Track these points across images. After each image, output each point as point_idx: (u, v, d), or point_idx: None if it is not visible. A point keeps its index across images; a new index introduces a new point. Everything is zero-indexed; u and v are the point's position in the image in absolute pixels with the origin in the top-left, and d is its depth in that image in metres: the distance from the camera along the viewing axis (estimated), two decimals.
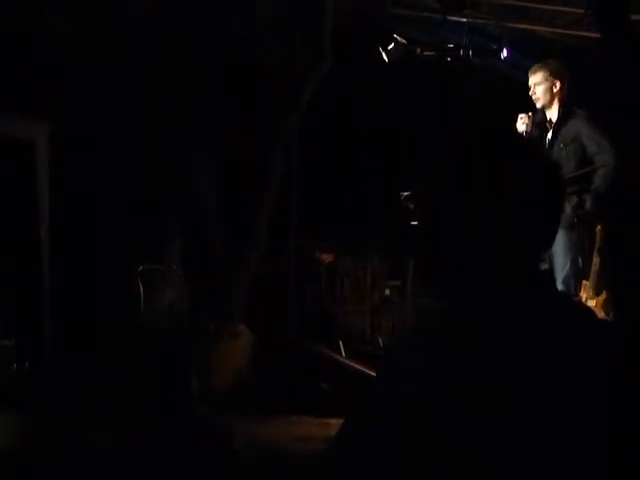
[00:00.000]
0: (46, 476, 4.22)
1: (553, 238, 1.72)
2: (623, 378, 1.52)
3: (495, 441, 1.49)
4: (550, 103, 6.29)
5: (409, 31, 8.60)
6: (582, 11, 7.39)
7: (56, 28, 5.86)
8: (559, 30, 8.85)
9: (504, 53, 8.64)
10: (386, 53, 8.42)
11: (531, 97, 6.37)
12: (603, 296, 6.18)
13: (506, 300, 1.62)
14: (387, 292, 8.32)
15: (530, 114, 6.44)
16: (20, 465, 4.29)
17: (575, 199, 5.97)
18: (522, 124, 6.44)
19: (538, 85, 6.34)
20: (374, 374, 1.87)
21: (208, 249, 7.30)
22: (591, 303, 6.20)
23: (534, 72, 6.38)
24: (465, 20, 8.44)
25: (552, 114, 6.28)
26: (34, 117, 5.91)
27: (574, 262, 6.26)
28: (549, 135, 6.31)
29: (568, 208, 5.88)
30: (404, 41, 8.48)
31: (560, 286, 6.38)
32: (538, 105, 6.37)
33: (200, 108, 6.99)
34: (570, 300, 1.86)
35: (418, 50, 8.69)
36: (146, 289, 6.80)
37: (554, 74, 6.22)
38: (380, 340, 7.99)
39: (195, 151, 7.14)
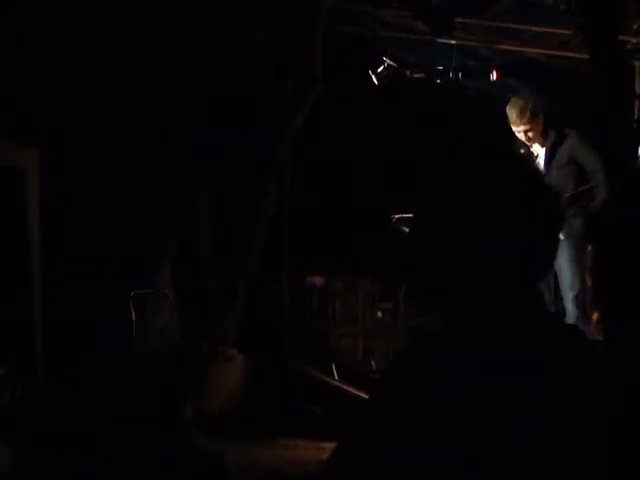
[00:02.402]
0: None
1: (551, 262, 1.73)
2: (613, 405, 1.50)
3: (477, 461, 1.48)
4: (536, 137, 6.39)
5: (399, 53, 8.65)
6: (571, 32, 7.44)
7: (50, 59, 5.88)
8: (548, 51, 8.91)
9: (493, 75, 8.70)
10: (376, 76, 8.46)
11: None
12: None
13: (502, 325, 1.60)
14: (379, 314, 8.32)
15: (523, 152, 6.51)
16: None
17: (579, 218, 6.06)
18: None
19: (529, 131, 6.42)
20: (367, 398, 1.88)
21: (200, 274, 7.31)
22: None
23: (517, 120, 6.45)
24: (454, 42, 8.48)
25: (539, 147, 6.39)
26: (25, 144, 5.93)
27: (582, 280, 6.33)
28: (542, 160, 6.38)
29: (576, 224, 5.98)
30: (394, 64, 8.52)
31: (570, 304, 6.44)
32: (529, 143, 6.46)
33: (194, 136, 7.02)
34: (562, 325, 1.86)
35: (408, 72, 8.74)
36: (138, 313, 6.81)
37: (536, 113, 6.31)
38: (373, 363, 7.98)
39: (188, 178, 7.16)
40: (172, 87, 6.66)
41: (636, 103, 4.11)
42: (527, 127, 6.41)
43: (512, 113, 6.46)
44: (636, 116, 4.17)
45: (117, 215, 6.69)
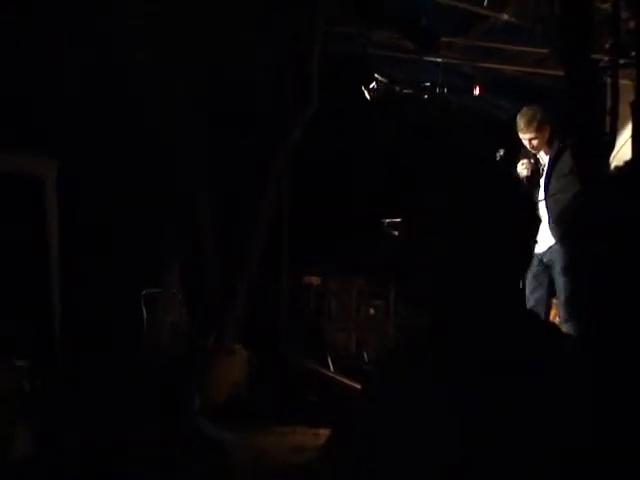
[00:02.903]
0: None
1: (528, 264, 1.73)
2: (584, 390, 1.52)
3: (472, 459, 1.49)
4: (541, 145, 6.35)
5: (389, 70, 8.65)
6: (547, 51, 7.44)
7: (67, 80, 5.87)
8: (527, 69, 8.91)
9: (476, 90, 8.70)
10: (368, 91, 8.45)
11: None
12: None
13: (482, 321, 1.61)
14: (371, 311, 8.31)
15: (532, 160, 6.47)
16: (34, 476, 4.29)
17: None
18: (524, 169, 6.47)
19: (534, 139, 6.39)
20: (360, 388, 1.89)
21: (206, 275, 7.30)
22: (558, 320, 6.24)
23: (525, 128, 6.42)
24: (440, 60, 8.49)
25: (545, 150, 6.36)
26: (44, 156, 5.93)
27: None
28: (545, 169, 6.35)
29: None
30: (384, 80, 8.52)
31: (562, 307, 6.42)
32: (534, 151, 6.43)
33: (199, 147, 7.01)
34: (538, 320, 1.86)
35: (397, 88, 8.74)
36: (149, 312, 6.81)
37: (544, 123, 6.27)
38: (365, 355, 7.98)
39: (194, 187, 7.16)
40: (177, 99, 6.66)
41: (607, 117, 4.11)
42: (532, 135, 6.37)
43: (520, 121, 6.43)
44: (608, 129, 4.17)
45: (129, 220, 6.68)
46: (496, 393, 1.51)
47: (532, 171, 6.46)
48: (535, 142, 6.39)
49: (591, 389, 1.52)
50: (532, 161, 6.47)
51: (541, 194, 6.34)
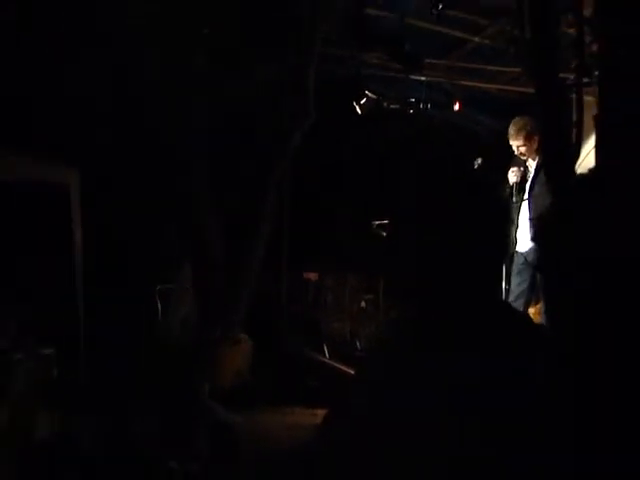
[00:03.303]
0: (85, 464, 4.22)
1: (501, 261, 1.73)
2: (553, 375, 1.51)
3: (455, 427, 1.48)
4: (530, 153, 6.34)
5: (378, 88, 8.65)
6: (519, 71, 7.45)
7: (89, 98, 5.86)
8: (502, 86, 8.92)
9: (456, 106, 8.72)
10: (359, 106, 8.46)
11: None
12: (539, 305, 6.23)
13: (462, 314, 1.62)
14: (363, 304, 8.31)
15: (522, 168, 6.46)
16: (60, 456, 4.28)
17: None
18: (513, 175, 6.46)
19: (522, 147, 6.38)
20: (353, 373, 1.88)
21: (214, 272, 7.29)
22: (532, 310, 6.25)
23: (515, 137, 6.41)
24: (423, 79, 8.49)
25: (533, 157, 6.35)
26: (68, 165, 5.92)
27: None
28: (531, 175, 6.34)
29: None
30: (374, 96, 8.53)
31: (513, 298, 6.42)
32: (524, 159, 6.42)
33: (207, 157, 7.01)
34: (513, 311, 1.86)
35: (385, 104, 8.74)
36: (163, 305, 6.81)
37: (532, 133, 6.25)
38: (358, 344, 7.98)
39: (203, 193, 7.15)
40: (187, 116, 6.66)
41: (573, 129, 4.13)
42: (521, 143, 6.36)
43: (511, 130, 6.42)
44: (574, 139, 4.19)
45: (145, 223, 6.69)
46: (472, 371, 1.50)
47: (521, 177, 6.46)
48: (523, 149, 6.39)
49: (545, 369, 1.51)
50: (521, 169, 6.47)
51: (526, 199, 6.36)
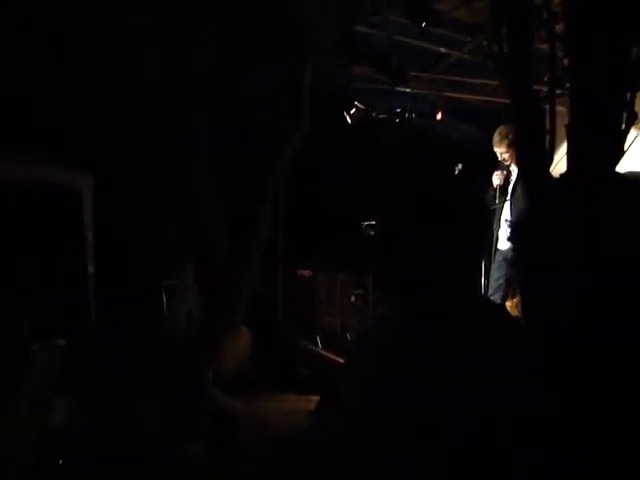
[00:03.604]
0: (96, 446, 4.22)
1: (479, 258, 1.76)
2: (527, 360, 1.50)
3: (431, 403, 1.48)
4: (513, 159, 6.33)
5: (367, 99, 8.66)
6: (497, 83, 7.46)
7: (102, 109, 5.84)
8: (481, 97, 8.94)
9: (439, 116, 8.73)
10: (349, 116, 8.47)
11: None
12: (516, 299, 6.24)
13: (445, 308, 1.62)
14: (353, 299, 8.30)
15: (504, 172, 6.47)
16: (77, 440, 4.28)
17: None
18: (497, 178, 6.47)
19: (504, 153, 6.38)
20: (343, 363, 1.91)
21: (216, 269, 7.28)
22: (508, 304, 6.26)
23: (499, 144, 6.42)
24: (409, 90, 8.51)
25: (515, 163, 6.34)
26: (82, 172, 5.92)
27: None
28: (514, 179, 6.34)
29: None
30: (363, 107, 8.54)
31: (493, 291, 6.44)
32: (507, 164, 6.42)
33: (207, 158, 7.00)
34: (491, 305, 1.86)
35: (374, 114, 8.75)
36: (169, 300, 6.81)
37: (513, 140, 6.25)
38: (348, 335, 7.98)
39: (204, 194, 7.13)
40: (192, 127, 6.65)
41: (547, 137, 4.15)
42: (504, 150, 6.37)
43: (496, 137, 6.43)
44: (547, 146, 4.21)
45: (152, 225, 6.67)
46: (458, 368, 1.51)
47: (503, 180, 6.47)
48: (506, 156, 6.40)
49: (520, 361, 1.51)
50: (504, 172, 6.48)
51: (508, 201, 6.38)
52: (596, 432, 1.34)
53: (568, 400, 1.38)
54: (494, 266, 6.46)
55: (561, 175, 1.85)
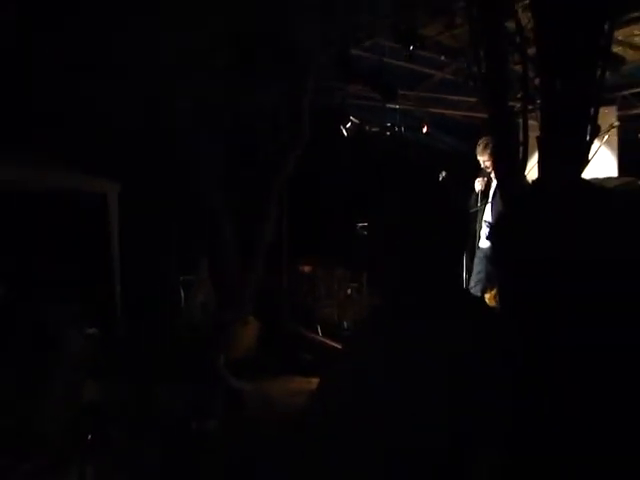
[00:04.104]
0: (124, 422, 4.22)
1: (459, 255, 1.72)
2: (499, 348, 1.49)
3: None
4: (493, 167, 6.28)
5: (361, 114, 8.67)
6: (476, 100, 7.46)
7: (130, 123, 5.86)
8: (462, 113, 8.95)
9: (424, 129, 8.74)
10: (345, 129, 8.47)
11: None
12: (494, 291, 6.24)
13: (430, 299, 1.62)
14: (349, 292, 8.29)
15: (486, 178, 6.43)
16: (105, 417, 4.28)
17: None
18: (479, 184, 6.44)
19: (487, 162, 6.34)
20: (340, 348, 1.89)
21: (227, 266, 7.29)
22: (487, 295, 6.25)
23: (481, 153, 6.38)
24: (398, 107, 8.51)
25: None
26: (108, 178, 5.93)
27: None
28: (494, 184, 6.30)
29: None
30: (357, 121, 8.54)
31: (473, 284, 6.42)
32: (488, 171, 6.39)
33: (220, 172, 7.01)
34: (469, 295, 1.85)
35: (367, 127, 8.76)
36: (186, 293, 6.81)
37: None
38: (345, 324, 7.97)
39: (218, 201, 7.14)
40: (205, 138, 6.65)
41: (520, 148, 4.16)
42: (486, 159, 6.31)
43: (478, 147, 6.36)
44: (520, 156, 4.21)
45: (171, 226, 6.68)
46: (433, 346, 1.51)
47: (484, 186, 6.45)
48: (487, 163, 6.34)
49: (492, 341, 1.50)
50: (485, 179, 6.44)
51: (489, 204, 6.35)
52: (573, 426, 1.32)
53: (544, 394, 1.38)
54: (475, 262, 6.44)
55: (533, 181, 1.85)
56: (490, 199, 6.35)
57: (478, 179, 6.48)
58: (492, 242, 1.46)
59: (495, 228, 1.59)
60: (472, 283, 6.37)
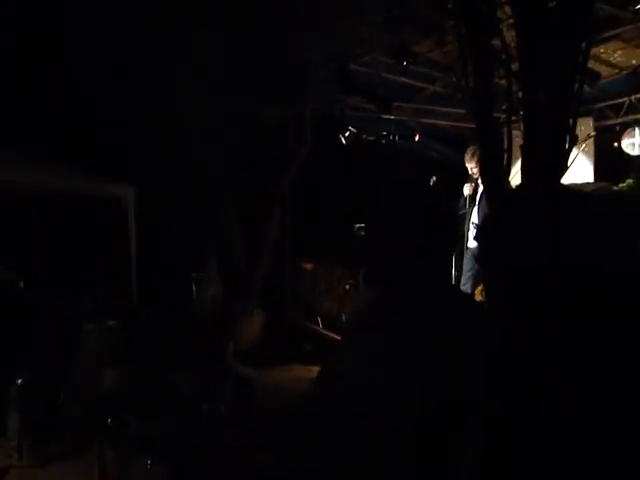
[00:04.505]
0: (141, 407, 4.22)
1: (449, 254, 1.72)
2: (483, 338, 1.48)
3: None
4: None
5: (358, 124, 8.67)
6: (464, 111, 7.47)
7: (144, 132, 5.86)
8: (451, 123, 8.94)
9: (417, 137, 8.74)
10: (344, 138, 8.47)
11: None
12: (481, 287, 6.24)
13: (422, 293, 1.61)
14: (347, 287, 8.30)
15: (473, 184, 6.41)
16: (123, 402, 4.29)
17: None
18: (467, 189, 6.42)
19: (474, 168, 6.31)
20: (339, 339, 1.88)
21: (236, 263, 7.29)
22: (476, 291, 6.25)
23: (469, 160, 6.35)
24: (393, 117, 8.52)
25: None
26: (126, 182, 5.93)
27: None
28: (481, 189, 6.27)
29: None
30: (355, 130, 8.54)
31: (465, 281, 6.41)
32: (475, 177, 6.36)
33: (230, 177, 7.01)
34: (458, 292, 1.85)
35: (364, 136, 8.76)
36: (197, 288, 6.81)
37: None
38: (343, 317, 7.98)
39: (227, 204, 7.15)
40: (220, 150, 6.66)
41: (505, 155, 4.17)
42: (473, 165, 6.26)
43: (467, 155, 6.33)
44: (505, 163, 4.22)
45: (184, 227, 6.69)
46: (422, 328, 1.51)
47: (473, 190, 6.42)
48: (475, 170, 6.30)
49: (486, 332, 1.50)
50: (473, 184, 6.41)
51: (476, 207, 6.33)
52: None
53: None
54: (465, 261, 6.43)
55: (516, 186, 1.85)
56: (477, 203, 6.34)
57: (466, 184, 6.47)
58: (478, 242, 1.45)
59: (481, 229, 1.57)
60: (464, 280, 6.36)
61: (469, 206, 6.42)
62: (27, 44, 5.64)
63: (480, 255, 1.51)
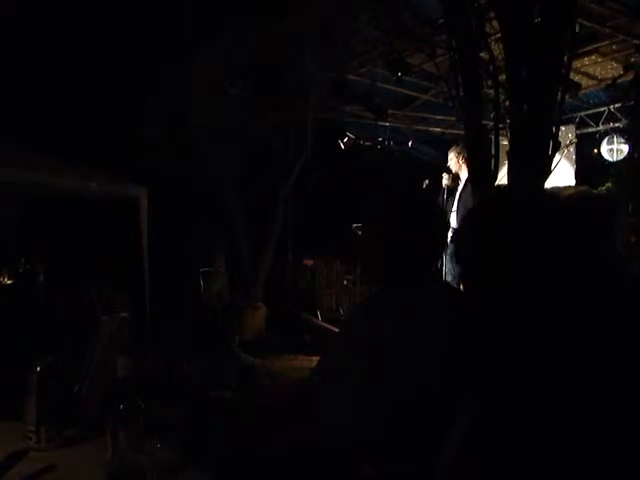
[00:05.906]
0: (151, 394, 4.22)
1: (439, 251, 1.69)
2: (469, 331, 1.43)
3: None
4: (460, 169, 6.20)
5: (356, 130, 8.67)
6: (455, 118, 7.47)
7: (156, 143, 5.85)
8: (443, 130, 8.95)
9: (410, 143, 8.74)
10: (342, 143, 8.48)
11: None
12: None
13: (405, 286, 1.62)
14: (345, 282, 8.29)
15: (451, 175, 6.35)
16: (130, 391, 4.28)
17: None
18: (445, 180, 6.36)
19: (450, 160, 6.28)
20: (337, 331, 1.89)
21: (241, 259, 7.30)
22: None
23: (452, 151, 6.34)
24: (388, 124, 8.52)
25: (463, 175, 6.18)
26: (139, 184, 5.92)
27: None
28: (460, 186, 6.24)
29: None
30: (353, 136, 8.55)
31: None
32: (453, 170, 6.32)
33: (236, 180, 7.01)
34: (446, 286, 1.84)
35: (361, 141, 8.76)
36: (205, 283, 6.82)
37: (459, 154, 6.17)
38: (341, 310, 7.98)
39: (233, 205, 7.15)
40: (228, 155, 6.65)
41: (492, 160, 4.18)
42: (451, 156, 6.27)
43: (450, 154, 6.34)
44: (492, 167, 4.23)
45: (192, 226, 6.68)
46: (417, 322, 1.51)
47: (451, 181, 6.35)
48: (451, 163, 6.27)
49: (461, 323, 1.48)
50: (451, 175, 6.35)
51: (456, 202, 6.25)
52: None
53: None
54: (447, 258, 6.38)
55: (497, 187, 1.83)
56: (456, 202, 6.23)
57: (444, 175, 6.38)
58: (453, 242, 1.41)
59: (455, 232, 1.54)
60: (451, 276, 6.33)
61: (447, 197, 6.33)
62: (51, 44, 5.62)
63: (455, 255, 1.46)
